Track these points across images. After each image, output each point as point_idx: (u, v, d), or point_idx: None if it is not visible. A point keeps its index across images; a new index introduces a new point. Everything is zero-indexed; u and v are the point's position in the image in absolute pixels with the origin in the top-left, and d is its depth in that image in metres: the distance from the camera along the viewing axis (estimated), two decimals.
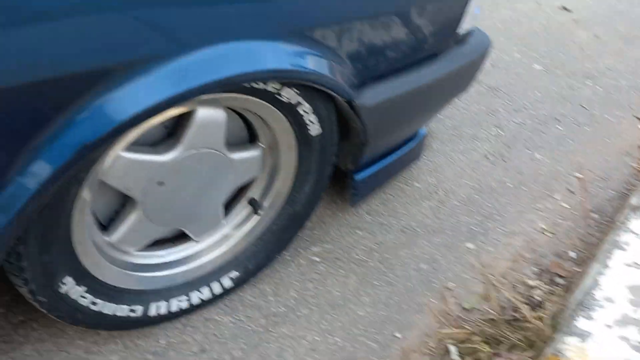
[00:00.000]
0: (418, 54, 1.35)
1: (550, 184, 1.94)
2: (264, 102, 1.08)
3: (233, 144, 1.20)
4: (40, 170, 0.79)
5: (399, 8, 1.20)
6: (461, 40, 1.50)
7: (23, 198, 0.81)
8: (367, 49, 1.19)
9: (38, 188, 0.80)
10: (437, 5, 1.29)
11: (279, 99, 1.09)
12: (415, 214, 1.74)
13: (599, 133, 2.26)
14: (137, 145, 1.04)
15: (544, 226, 1.76)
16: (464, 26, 1.45)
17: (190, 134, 1.07)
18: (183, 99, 0.91)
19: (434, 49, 1.41)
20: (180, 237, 1.28)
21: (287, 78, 1.03)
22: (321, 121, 1.21)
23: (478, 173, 1.95)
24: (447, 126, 2.17)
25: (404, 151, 1.69)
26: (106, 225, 1.15)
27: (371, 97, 1.26)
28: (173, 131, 1.10)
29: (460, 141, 2.10)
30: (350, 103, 1.21)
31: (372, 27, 1.16)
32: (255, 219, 1.33)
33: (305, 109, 1.15)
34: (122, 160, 1.00)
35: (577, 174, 2.00)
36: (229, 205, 1.33)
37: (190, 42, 0.88)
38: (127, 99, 0.83)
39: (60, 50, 0.75)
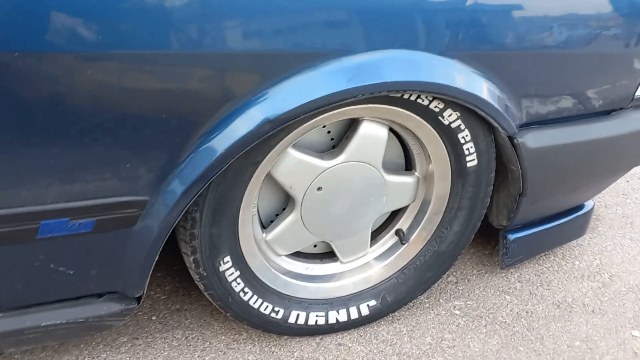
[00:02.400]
0: (589, 107, 1.32)
1: None
2: (425, 121, 1.14)
3: (390, 169, 1.27)
4: (229, 135, 0.93)
5: (587, 52, 1.20)
6: (638, 106, 1.44)
7: (206, 163, 0.94)
8: (540, 89, 1.21)
9: (224, 152, 0.94)
10: (617, 62, 1.28)
11: (440, 120, 1.14)
12: (573, 291, 1.60)
13: None
14: (305, 149, 1.15)
15: None
16: None
17: (353, 144, 1.16)
18: (353, 95, 1.00)
19: (607, 107, 1.37)
20: (327, 255, 1.34)
21: (451, 96, 1.08)
22: (479, 152, 1.22)
23: None
24: (617, 213, 2.01)
25: (565, 220, 1.60)
26: (265, 226, 1.25)
27: (535, 139, 1.25)
28: (337, 143, 1.21)
29: (632, 229, 1.92)
30: (511, 139, 1.21)
31: (551, 67, 1.18)
32: (399, 251, 1.35)
33: (465, 136, 1.18)
34: (290, 157, 1.12)
35: None
36: (376, 234, 1.37)
37: (373, 45, 0.99)
38: (307, 87, 0.95)
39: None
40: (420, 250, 1.34)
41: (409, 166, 1.32)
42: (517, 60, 1.15)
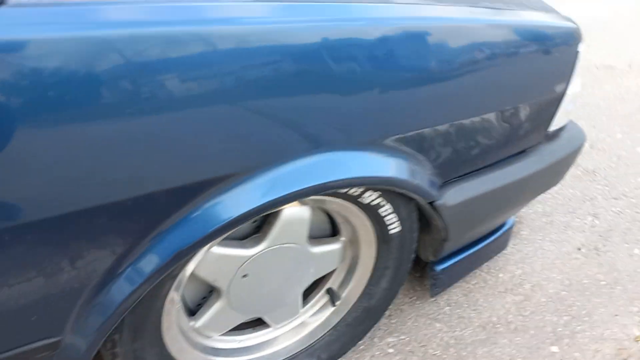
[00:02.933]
0: (504, 153, 1.35)
1: None
2: (346, 202, 1.13)
3: (315, 237, 1.26)
4: (138, 273, 0.88)
5: (485, 114, 1.21)
6: (552, 136, 1.48)
7: (121, 297, 0.90)
8: (451, 152, 1.21)
9: (135, 288, 0.89)
10: (527, 109, 1.29)
11: (360, 201, 1.14)
12: (497, 308, 1.68)
13: None
14: (227, 240, 1.12)
15: (638, 333, 1.64)
16: (556, 123, 1.43)
17: (276, 230, 1.14)
18: (272, 207, 0.98)
19: (522, 147, 1.40)
20: (259, 322, 1.34)
21: (368, 184, 1.08)
22: (401, 220, 1.23)
23: (569, 267, 1.86)
24: (538, 212, 2.11)
25: (488, 241, 1.66)
26: (193, 311, 1.23)
27: (454, 196, 1.27)
28: (260, 225, 1.18)
29: (552, 229, 2.02)
30: (431, 203, 1.23)
31: (457, 133, 1.19)
32: (331, 309, 1.37)
33: (386, 209, 1.18)
34: (212, 255, 1.08)
35: None
36: (307, 293, 1.38)
37: (281, 156, 0.95)
38: (221, 208, 0.91)
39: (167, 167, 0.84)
40: (351, 307, 1.37)
41: (335, 229, 1.31)
42: (421, 135, 1.13)
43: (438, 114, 1.12)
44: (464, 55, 1.09)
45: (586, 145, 2.53)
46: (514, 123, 1.29)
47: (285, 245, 1.17)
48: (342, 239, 1.29)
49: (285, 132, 0.93)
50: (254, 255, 1.14)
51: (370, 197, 1.14)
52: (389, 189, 1.12)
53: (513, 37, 1.17)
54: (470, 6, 1.16)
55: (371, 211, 1.18)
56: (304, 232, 1.18)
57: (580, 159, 2.42)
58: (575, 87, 1.39)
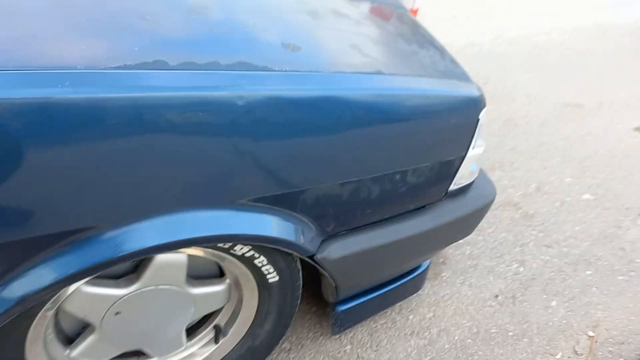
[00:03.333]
0: (397, 210, 1.38)
1: (557, 340, 1.84)
2: (221, 253, 1.17)
3: (198, 278, 1.29)
4: None
5: (375, 175, 1.24)
6: (456, 194, 1.50)
7: None
8: (336, 209, 1.24)
9: None
10: (422, 172, 1.32)
11: (233, 252, 1.17)
12: (399, 351, 1.72)
13: (633, 286, 2.10)
14: (99, 279, 1.15)
15: None
16: (458, 183, 1.46)
17: (150, 272, 1.17)
18: (137, 256, 1.01)
19: (418, 205, 1.43)
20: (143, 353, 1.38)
21: (235, 241, 1.11)
22: (279, 270, 1.27)
23: (481, 314, 1.89)
24: (465, 254, 2.14)
25: (399, 284, 1.69)
26: (73, 339, 1.27)
27: (338, 250, 1.30)
28: (137, 264, 1.22)
29: (474, 273, 2.05)
30: (311, 256, 1.26)
31: (342, 191, 1.21)
32: (217, 345, 1.41)
33: (261, 261, 1.22)
34: (80, 294, 1.12)
35: (590, 332, 1.88)
36: (196, 327, 1.42)
37: (139, 213, 0.99)
38: (64, 264, 0.95)
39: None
40: (235, 345, 1.40)
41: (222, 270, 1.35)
42: (309, 194, 1.17)
43: (317, 174, 1.15)
44: (343, 122, 1.12)
45: (533, 187, 2.55)
46: (408, 184, 1.32)
47: (161, 286, 1.21)
48: (227, 280, 1.33)
49: (145, 189, 0.97)
50: (127, 295, 1.17)
51: (241, 249, 1.17)
52: (257, 244, 1.15)
53: (406, 104, 1.19)
54: (365, 72, 1.18)
55: (247, 261, 1.21)
56: (181, 275, 1.22)
57: (523, 202, 2.45)
58: (477, 149, 1.42)
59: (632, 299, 2.04)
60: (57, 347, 1.22)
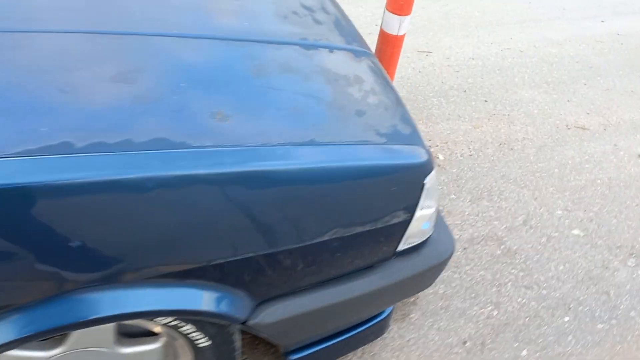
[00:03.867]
0: (347, 270, 1.34)
1: None
2: (146, 321, 1.16)
3: (133, 335, 1.28)
4: None
5: (300, 246, 1.21)
6: (408, 252, 1.46)
7: None
8: (267, 278, 1.22)
9: None
10: (363, 236, 1.28)
11: (156, 321, 1.16)
12: None
13: (613, 336, 2.03)
14: None
15: None
16: (409, 242, 1.42)
17: (74, 336, 1.17)
18: (51, 334, 1.01)
19: (363, 266, 1.39)
20: None
21: (149, 317, 1.09)
22: (210, 336, 1.25)
23: None
24: (438, 294, 2.09)
25: (358, 331, 1.66)
26: None
27: (274, 314, 1.27)
28: None
29: (444, 316, 2.00)
30: (244, 322, 1.24)
31: (269, 261, 1.19)
32: None
33: (188, 329, 1.20)
34: (4, 357, 1.12)
35: None
36: None
37: (52, 290, 0.98)
38: None
39: None
40: None
41: None
42: (236, 265, 1.14)
43: (238, 246, 1.12)
44: (266, 196, 1.09)
45: (519, 220, 2.48)
46: (347, 248, 1.28)
47: (88, 348, 1.20)
48: (163, 338, 1.32)
49: (54, 269, 0.96)
50: (52, 357, 1.17)
51: (164, 320, 1.15)
52: (177, 316, 1.14)
53: (338, 177, 1.16)
54: (295, 143, 1.14)
55: (173, 328, 1.20)
56: (109, 337, 1.21)
57: (507, 236, 2.38)
58: (427, 210, 1.37)
59: (609, 350, 1.97)
60: None
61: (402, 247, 1.41)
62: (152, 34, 1.27)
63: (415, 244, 1.45)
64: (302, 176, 1.11)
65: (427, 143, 1.35)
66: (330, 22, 1.64)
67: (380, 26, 2.36)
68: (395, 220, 1.31)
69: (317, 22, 1.61)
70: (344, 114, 1.28)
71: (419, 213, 1.34)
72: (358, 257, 1.34)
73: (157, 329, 1.25)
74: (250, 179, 1.06)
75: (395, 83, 3.28)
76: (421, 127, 2.97)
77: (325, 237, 1.22)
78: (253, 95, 1.22)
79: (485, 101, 3.31)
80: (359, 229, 1.26)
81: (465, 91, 3.37)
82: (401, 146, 1.27)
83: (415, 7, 4.24)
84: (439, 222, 1.63)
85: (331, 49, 1.50)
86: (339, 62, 1.46)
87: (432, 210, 1.39)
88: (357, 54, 1.54)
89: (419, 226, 1.39)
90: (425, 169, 1.28)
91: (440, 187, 2.58)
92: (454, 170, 2.71)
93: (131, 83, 1.12)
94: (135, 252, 1.02)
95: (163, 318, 1.15)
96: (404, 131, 1.32)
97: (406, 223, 1.34)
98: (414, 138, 1.32)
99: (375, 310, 1.56)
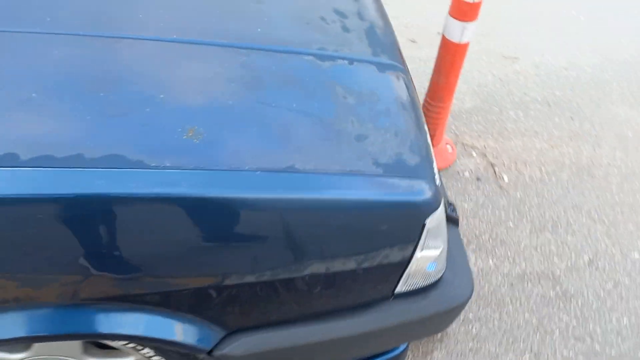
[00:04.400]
0: (321, 309, 1.22)
1: None
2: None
3: (102, 348, 1.26)
4: None
5: (273, 279, 1.10)
6: (411, 294, 1.30)
7: None
8: (237, 308, 1.13)
9: None
10: (342, 278, 1.16)
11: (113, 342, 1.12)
12: None
13: None
14: None
15: None
16: (409, 284, 1.26)
17: (41, 344, 1.16)
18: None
19: (364, 303, 1.26)
20: None
21: (98, 339, 1.05)
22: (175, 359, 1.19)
23: None
24: (470, 333, 1.89)
25: None
26: None
27: (245, 346, 1.18)
28: None
29: None
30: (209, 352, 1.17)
31: (238, 291, 1.10)
32: None
33: (148, 352, 1.15)
34: None
35: None
36: None
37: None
38: None
39: None
40: None
41: None
42: (209, 293, 1.07)
43: (201, 272, 1.05)
44: (221, 224, 1.00)
45: (584, 259, 2.19)
46: (330, 286, 1.16)
47: (54, 357, 1.19)
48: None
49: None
50: None
51: (120, 343, 1.10)
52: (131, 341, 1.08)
53: (315, 211, 1.04)
54: (270, 170, 1.03)
55: (133, 349, 1.15)
56: (76, 346, 1.19)
57: (566, 276, 2.10)
58: (432, 251, 1.21)
59: None
60: None
61: (402, 288, 1.26)
62: (141, 38, 1.21)
63: (419, 286, 1.29)
64: (268, 205, 1.01)
65: (437, 177, 1.18)
66: (361, 29, 1.50)
67: (442, 32, 2.16)
68: (388, 261, 1.16)
69: (346, 29, 1.47)
70: (341, 137, 1.14)
71: (419, 254, 1.18)
72: (345, 295, 1.21)
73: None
74: (211, 205, 0.98)
75: (465, 93, 3.04)
76: (489, 143, 2.72)
77: (299, 272, 1.10)
78: (238, 111, 1.12)
79: (571, 118, 2.97)
80: (340, 267, 1.13)
81: (549, 105, 3.05)
82: (399, 179, 1.12)
83: (505, 5, 3.91)
84: (461, 260, 1.45)
85: (351, 60, 1.36)
86: (356, 77, 1.32)
87: (438, 251, 1.23)
88: (382, 68, 1.39)
89: (423, 267, 1.24)
90: (426, 207, 1.12)
91: (498, 212, 2.35)
92: (518, 195, 2.45)
93: (102, 92, 1.06)
94: (83, 272, 0.97)
95: (119, 342, 1.10)
96: (409, 162, 1.16)
97: (403, 264, 1.19)
98: (421, 170, 1.15)
99: (370, 351, 1.42)
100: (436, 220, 1.15)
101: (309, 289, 1.15)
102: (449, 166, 2.58)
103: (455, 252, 1.44)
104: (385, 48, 1.48)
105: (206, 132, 1.05)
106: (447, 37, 2.13)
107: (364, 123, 1.20)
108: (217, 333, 1.15)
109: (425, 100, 2.42)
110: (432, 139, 2.53)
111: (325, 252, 1.10)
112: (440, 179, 1.27)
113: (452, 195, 2.41)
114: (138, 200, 0.94)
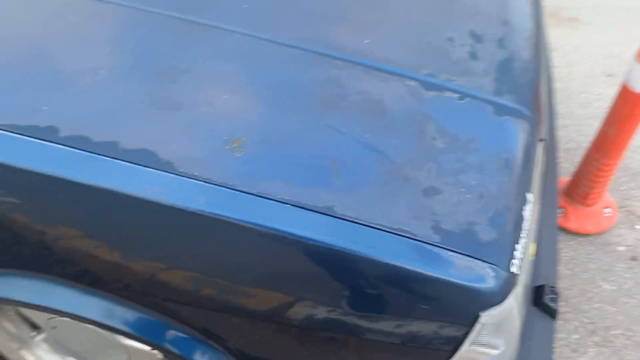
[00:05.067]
0: None
1: None
2: None
3: None
4: None
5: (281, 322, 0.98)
6: None
7: None
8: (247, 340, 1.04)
9: None
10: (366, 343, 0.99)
11: None
12: None
13: None
14: None
15: None
16: None
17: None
18: None
19: None
20: None
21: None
22: None
23: None
24: None
25: None
26: None
27: None
28: None
29: None
30: None
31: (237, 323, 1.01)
32: None
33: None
34: None
35: None
36: None
37: None
38: None
39: None
40: None
41: None
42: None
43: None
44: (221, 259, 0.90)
45: None
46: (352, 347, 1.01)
47: None
48: None
49: None
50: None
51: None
52: None
53: (349, 258, 0.89)
54: (304, 207, 0.90)
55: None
56: None
57: None
58: (487, 350, 0.97)
59: None
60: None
61: None
62: (232, 30, 1.14)
63: None
64: (287, 243, 0.88)
65: (517, 263, 0.94)
66: (494, 59, 1.26)
67: (625, 80, 1.76)
68: (428, 344, 0.96)
69: (473, 56, 1.25)
70: (405, 186, 0.96)
71: (468, 347, 0.96)
72: None
73: None
74: (224, 228, 0.88)
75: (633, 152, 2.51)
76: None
77: (315, 324, 0.96)
78: (298, 130, 1.00)
79: None
80: (371, 334, 0.96)
81: None
82: (458, 255, 0.90)
83: None
84: None
85: (463, 95, 1.15)
86: (459, 116, 1.11)
87: (496, 352, 0.98)
88: (500, 111, 1.15)
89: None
90: (484, 299, 0.89)
91: None
92: None
93: (169, 80, 1.02)
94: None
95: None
96: (482, 236, 0.93)
97: (446, 354, 0.98)
98: (492, 251, 0.92)
99: None
100: (497, 316, 0.92)
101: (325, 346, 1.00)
102: (602, 232, 2.16)
103: (538, 354, 1.16)
104: (516, 87, 1.22)
105: (252, 147, 0.96)
106: (630, 86, 1.73)
107: (443, 175, 0.99)
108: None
109: (590, 151, 2.03)
110: (588, 197, 2.14)
111: (342, 309, 0.94)
112: (524, 266, 1.01)
113: (592, 270, 2.01)
114: (148, 203, 0.88)
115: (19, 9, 1.14)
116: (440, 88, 1.15)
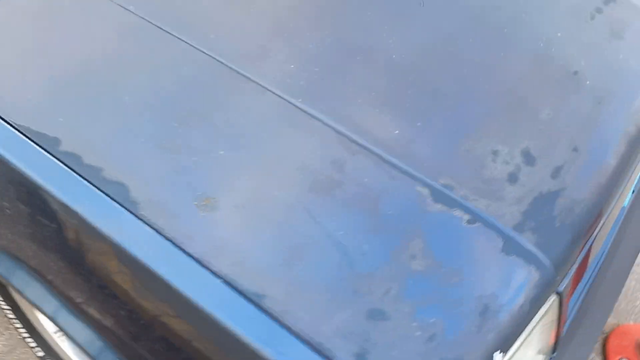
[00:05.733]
0: None
1: None
2: None
3: None
4: None
5: None
6: None
7: None
8: None
9: None
10: None
11: None
12: None
13: None
14: None
15: None
16: None
17: None
18: None
19: None
20: None
21: None
22: None
23: None
24: None
25: None
26: None
27: None
28: None
29: None
30: None
31: None
32: None
33: None
34: None
35: None
36: None
37: None
38: None
39: None
40: None
41: None
42: None
43: None
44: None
45: None
46: None
47: None
48: None
49: None
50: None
51: None
52: None
53: None
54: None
55: None
56: None
57: None
58: None
59: None
60: None
61: None
62: (263, 86, 1.14)
63: None
64: (200, 316, 0.87)
65: None
66: (541, 189, 1.10)
67: None
68: None
69: (513, 179, 1.12)
70: (350, 300, 0.90)
71: None
72: None
73: None
74: (156, 284, 0.90)
75: None
76: None
77: None
78: (271, 205, 0.98)
79: None
80: None
81: None
82: None
83: None
84: None
85: (475, 219, 1.03)
86: (459, 241, 1.00)
87: None
88: (512, 249, 1.01)
89: None
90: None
91: None
92: None
93: (175, 124, 1.06)
94: None
95: None
96: None
97: None
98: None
99: None
100: None
101: None
102: None
103: None
104: (547, 228, 1.06)
105: (218, 210, 0.96)
106: None
107: (400, 301, 0.91)
108: None
109: None
110: None
111: None
112: None
113: None
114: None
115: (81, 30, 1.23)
116: (451, 203, 1.05)
